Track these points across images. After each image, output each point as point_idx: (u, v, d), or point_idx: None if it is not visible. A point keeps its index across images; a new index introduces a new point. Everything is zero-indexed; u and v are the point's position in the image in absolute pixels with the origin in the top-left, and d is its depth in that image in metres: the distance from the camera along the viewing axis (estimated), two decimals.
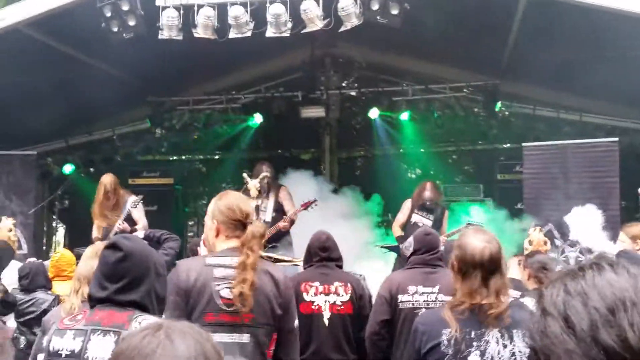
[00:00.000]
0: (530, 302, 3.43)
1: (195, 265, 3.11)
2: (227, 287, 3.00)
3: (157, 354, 1.15)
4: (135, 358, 1.15)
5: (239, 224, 3.17)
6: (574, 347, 1.07)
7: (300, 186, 9.35)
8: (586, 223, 6.89)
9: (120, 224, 7.37)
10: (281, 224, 7.99)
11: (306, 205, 8.20)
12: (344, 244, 5.72)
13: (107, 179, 7.79)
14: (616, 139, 9.11)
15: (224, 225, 3.17)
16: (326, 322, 4.99)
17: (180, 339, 1.18)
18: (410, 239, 4.78)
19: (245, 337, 3.00)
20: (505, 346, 2.88)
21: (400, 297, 4.45)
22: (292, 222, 8.15)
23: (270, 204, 8.36)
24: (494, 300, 2.91)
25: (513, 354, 2.87)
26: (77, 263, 7.32)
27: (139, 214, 7.78)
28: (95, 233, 7.66)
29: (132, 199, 7.68)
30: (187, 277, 3.02)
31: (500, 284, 2.96)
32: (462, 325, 2.90)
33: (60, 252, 6.77)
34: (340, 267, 5.23)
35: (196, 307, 2.98)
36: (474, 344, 2.88)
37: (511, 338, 2.90)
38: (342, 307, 5.01)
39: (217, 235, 3.18)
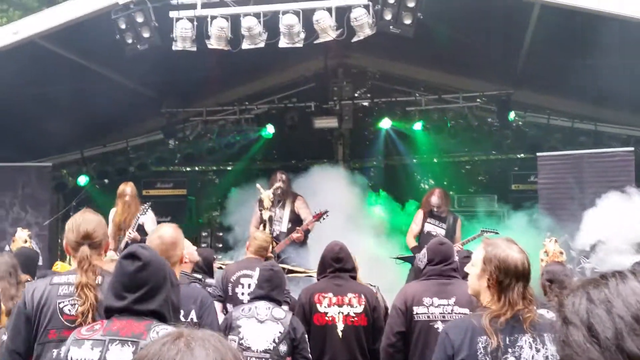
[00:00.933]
0: (545, 314, 3.42)
1: (41, 285, 3.22)
2: (70, 304, 3.13)
3: None
4: None
5: (80, 243, 3.28)
6: (598, 356, 1.05)
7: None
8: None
9: (130, 233, 7.42)
10: (294, 235, 7.99)
11: (318, 217, 8.20)
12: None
13: (129, 188, 8.10)
14: (632, 148, 9.05)
15: (69, 245, 3.34)
16: (340, 333, 4.96)
17: (200, 347, 1.17)
18: (424, 250, 4.74)
19: None
20: (538, 350, 2.90)
21: (416, 309, 4.41)
22: (306, 232, 8.15)
23: (285, 214, 8.37)
24: (527, 307, 2.95)
25: (547, 357, 2.89)
26: None
27: (151, 223, 7.82)
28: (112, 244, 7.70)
29: (141, 207, 7.74)
30: (31, 298, 3.15)
31: (531, 293, 3.01)
32: (499, 332, 2.92)
33: (59, 264, 6.79)
34: (354, 278, 5.20)
35: (41, 325, 3.10)
36: (509, 350, 2.89)
37: (543, 342, 2.92)
38: (355, 318, 4.98)
39: (68, 254, 3.42)
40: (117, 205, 8.15)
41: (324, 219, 8.23)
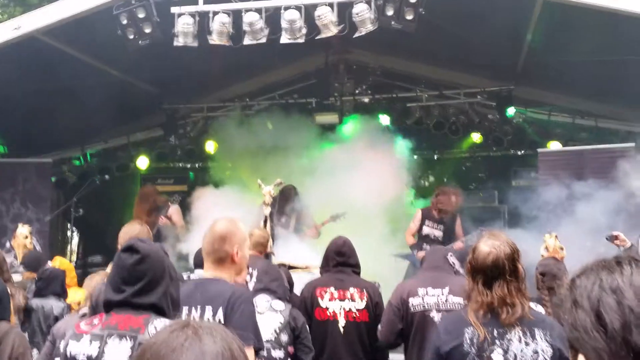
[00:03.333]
0: (533, 306, 3.42)
1: None
2: None
3: (185, 347, 1.15)
4: (163, 351, 1.14)
5: None
6: (603, 346, 1.03)
7: None
8: None
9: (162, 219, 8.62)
10: (310, 233, 8.16)
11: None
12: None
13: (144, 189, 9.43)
14: (632, 144, 9.02)
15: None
16: (341, 329, 4.96)
17: (208, 335, 1.18)
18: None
19: None
20: (527, 344, 2.89)
21: (412, 301, 4.47)
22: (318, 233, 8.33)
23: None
24: (499, 304, 2.93)
25: (535, 352, 2.88)
26: (90, 272, 7.47)
27: (177, 216, 8.74)
28: None
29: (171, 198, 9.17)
30: None
31: (504, 290, 2.94)
32: (485, 325, 2.93)
33: (58, 259, 6.77)
34: (358, 273, 5.19)
35: None
36: (497, 342, 2.89)
37: (533, 337, 2.91)
38: (357, 314, 4.97)
39: None
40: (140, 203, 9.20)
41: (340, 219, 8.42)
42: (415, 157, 11.97)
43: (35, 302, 5.52)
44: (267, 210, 7.52)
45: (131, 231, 4.15)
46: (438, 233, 8.58)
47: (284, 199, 8.84)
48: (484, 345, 2.87)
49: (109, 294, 2.36)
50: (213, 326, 1.22)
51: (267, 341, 4.50)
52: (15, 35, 8.11)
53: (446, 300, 4.39)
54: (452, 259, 4.66)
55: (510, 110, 10.64)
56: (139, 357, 1.19)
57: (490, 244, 3.01)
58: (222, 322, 2.99)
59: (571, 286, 1.14)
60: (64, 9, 8.19)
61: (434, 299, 4.43)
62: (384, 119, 11.19)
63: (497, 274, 2.96)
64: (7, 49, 8.19)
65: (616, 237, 6.36)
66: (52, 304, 5.51)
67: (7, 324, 3.71)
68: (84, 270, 9.61)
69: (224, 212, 7.91)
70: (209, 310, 3.06)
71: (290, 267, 6.85)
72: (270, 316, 4.53)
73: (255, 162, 10.73)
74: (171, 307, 2.38)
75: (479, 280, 2.97)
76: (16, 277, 6.31)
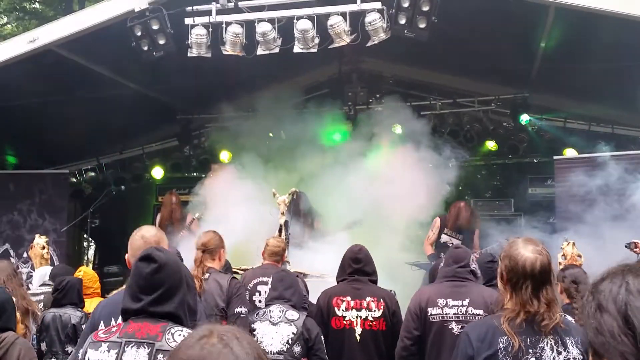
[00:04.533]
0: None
1: None
2: None
3: (221, 354, 1.17)
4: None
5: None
6: (631, 350, 1.01)
7: None
8: None
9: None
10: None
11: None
12: None
13: (174, 197, 9.74)
14: None
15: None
16: (358, 337, 4.93)
17: (235, 340, 1.19)
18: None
19: None
20: (559, 353, 2.86)
21: (430, 311, 4.39)
22: None
23: None
24: (546, 310, 2.89)
25: None
26: (106, 282, 7.51)
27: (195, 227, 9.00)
28: None
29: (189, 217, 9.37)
30: None
31: (552, 295, 2.93)
32: (518, 333, 2.88)
33: (82, 270, 6.82)
34: (374, 282, 5.16)
35: None
36: (530, 351, 2.86)
37: (565, 345, 2.88)
38: (374, 322, 4.94)
39: None
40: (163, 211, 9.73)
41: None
42: (430, 165, 11.91)
43: (53, 312, 5.55)
44: (282, 219, 7.53)
45: (148, 235, 3.85)
46: (456, 242, 8.54)
47: (294, 203, 8.83)
48: (519, 354, 2.84)
49: (127, 302, 2.37)
50: (236, 333, 1.21)
51: (280, 352, 4.48)
52: (31, 47, 8.20)
53: (466, 312, 4.33)
54: (474, 263, 4.58)
55: (524, 118, 10.58)
56: None
57: (532, 250, 2.96)
58: None
59: (594, 291, 1.12)
60: (79, 22, 8.29)
61: (454, 310, 4.36)
62: (398, 128, 11.15)
63: (545, 279, 2.93)
64: (23, 62, 8.28)
65: (636, 245, 6.30)
66: (70, 313, 5.54)
67: (13, 334, 3.72)
68: (100, 280, 9.64)
69: (238, 221, 7.97)
70: None
71: (305, 275, 6.84)
72: (283, 327, 4.51)
73: (269, 171, 10.76)
74: (188, 316, 2.38)
75: (526, 287, 2.90)
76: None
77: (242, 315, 4.55)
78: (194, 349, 1.19)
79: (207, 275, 4.78)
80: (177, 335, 2.29)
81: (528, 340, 2.87)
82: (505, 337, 2.88)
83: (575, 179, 8.98)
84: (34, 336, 5.46)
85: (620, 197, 8.37)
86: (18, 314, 4.06)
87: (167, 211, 9.64)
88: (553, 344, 2.87)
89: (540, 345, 2.86)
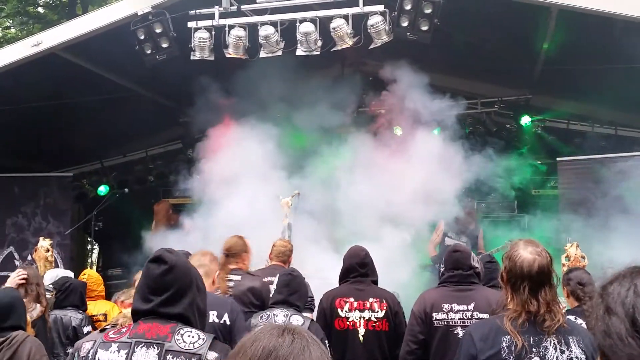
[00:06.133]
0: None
1: None
2: None
3: (305, 351, 1.20)
4: (282, 354, 1.19)
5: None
6: (638, 353, 1.02)
7: None
8: None
9: None
10: None
11: None
12: None
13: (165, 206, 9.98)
14: None
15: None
16: (361, 338, 4.94)
17: (315, 346, 1.23)
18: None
19: None
20: (562, 352, 2.89)
21: (435, 315, 4.37)
22: None
23: None
24: (546, 311, 2.91)
25: (570, 359, 2.88)
26: (110, 285, 7.53)
27: None
28: None
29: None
30: None
31: (551, 296, 2.95)
32: (521, 333, 2.91)
33: (87, 273, 6.83)
34: (375, 282, 5.18)
35: None
36: (534, 350, 2.88)
37: (568, 344, 2.90)
38: (377, 323, 4.95)
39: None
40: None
41: None
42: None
43: (55, 314, 5.57)
44: (286, 221, 7.55)
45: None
46: (460, 244, 8.57)
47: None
48: (522, 353, 2.86)
49: (137, 303, 2.38)
50: (305, 332, 1.26)
51: None
52: (35, 51, 8.25)
53: (471, 317, 4.32)
54: (474, 262, 4.57)
55: (524, 120, 10.60)
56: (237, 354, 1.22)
57: (532, 251, 3.00)
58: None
59: (602, 293, 1.13)
60: (83, 25, 8.33)
61: (459, 314, 4.35)
62: (399, 130, 11.15)
63: (544, 280, 2.95)
64: (27, 65, 8.32)
65: None
66: (71, 315, 5.56)
67: (23, 332, 3.74)
68: (104, 283, 9.66)
69: (243, 223, 7.97)
70: (212, 315, 4.03)
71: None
72: None
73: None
74: (198, 318, 2.39)
75: (524, 288, 2.93)
76: None
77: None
78: (267, 336, 1.22)
79: (237, 277, 5.03)
80: (186, 336, 2.30)
81: (531, 339, 2.90)
82: (508, 337, 2.90)
83: (579, 180, 9.00)
84: None
85: (623, 198, 8.38)
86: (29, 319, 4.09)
87: (164, 219, 9.85)
88: (556, 342, 2.90)
89: (543, 345, 2.89)
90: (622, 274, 1.14)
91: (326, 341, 4.66)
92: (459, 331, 4.27)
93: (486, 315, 4.16)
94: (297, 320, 4.55)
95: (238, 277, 5.06)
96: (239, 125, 9.58)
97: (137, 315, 2.37)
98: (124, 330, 2.35)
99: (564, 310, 4.32)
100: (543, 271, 2.95)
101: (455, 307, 4.36)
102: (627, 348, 1.03)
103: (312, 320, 4.71)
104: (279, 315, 4.59)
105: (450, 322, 4.34)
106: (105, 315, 6.10)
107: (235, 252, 5.21)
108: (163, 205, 10.01)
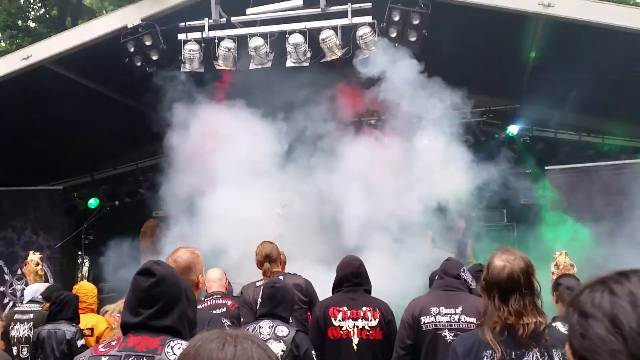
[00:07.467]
0: (561, 327, 3.39)
1: None
2: None
3: (235, 350, 1.25)
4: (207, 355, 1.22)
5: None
6: (620, 347, 1.07)
7: None
8: None
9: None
10: None
11: None
12: None
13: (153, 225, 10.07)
14: None
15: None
16: (355, 347, 4.94)
17: (247, 340, 1.27)
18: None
19: None
20: None
21: (423, 319, 4.41)
22: None
23: None
24: (516, 320, 2.91)
25: None
26: (101, 298, 7.52)
27: None
28: None
29: None
30: None
31: (520, 304, 2.94)
32: (504, 346, 2.92)
33: (80, 284, 6.80)
34: (369, 292, 5.19)
35: None
36: None
37: (551, 357, 2.90)
38: (370, 332, 4.96)
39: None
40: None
41: None
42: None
43: (48, 328, 5.55)
44: (277, 232, 7.55)
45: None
46: (449, 254, 8.60)
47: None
48: None
49: (126, 316, 2.38)
50: (244, 334, 1.27)
51: None
52: (25, 64, 8.25)
53: (459, 320, 4.35)
54: (465, 274, 4.61)
55: (512, 129, 10.69)
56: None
57: (504, 259, 3.01)
58: None
59: (574, 301, 1.18)
60: (72, 38, 8.34)
61: (447, 317, 4.39)
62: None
63: (512, 287, 2.95)
64: (16, 78, 8.32)
65: None
66: (64, 329, 5.54)
67: None
68: None
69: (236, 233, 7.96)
70: None
71: None
72: (273, 344, 4.50)
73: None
74: (188, 329, 2.39)
75: (495, 295, 2.96)
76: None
77: None
78: (202, 342, 1.25)
79: (281, 278, 5.25)
80: (176, 348, 2.30)
81: (513, 353, 2.90)
82: (490, 351, 2.91)
83: (567, 189, 9.06)
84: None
85: (610, 207, 8.44)
86: None
87: (154, 236, 9.97)
88: (539, 356, 2.90)
89: (525, 358, 2.89)
90: (590, 283, 1.19)
91: (313, 351, 4.67)
92: (447, 334, 4.31)
93: (473, 319, 4.19)
94: (282, 331, 4.55)
95: (281, 278, 5.27)
96: (228, 132, 9.59)
97: (127, 328, 2.37)
98: (113, 343, 2.34)
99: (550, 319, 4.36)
100: (512, 278, 2.95)
101: (443, 310, 4.39)
102: (609, 345, 1.08)
103: (298, 330, 4.71)
104: (264, 327, 4.59)
105: (438, 325, 4.36)
106: (91, 329, 6.04)
107: (275, 257, 5.62)
108: (149, 225, 10.25)
